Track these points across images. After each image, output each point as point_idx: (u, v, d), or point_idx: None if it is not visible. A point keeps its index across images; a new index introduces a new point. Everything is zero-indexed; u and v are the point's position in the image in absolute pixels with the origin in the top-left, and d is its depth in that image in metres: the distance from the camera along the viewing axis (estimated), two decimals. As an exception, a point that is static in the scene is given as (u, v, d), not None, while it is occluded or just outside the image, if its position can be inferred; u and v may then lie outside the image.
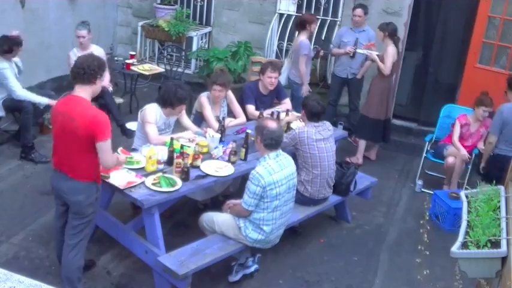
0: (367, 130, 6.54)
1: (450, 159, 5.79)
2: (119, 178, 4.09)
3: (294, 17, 7.82)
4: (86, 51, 6.33)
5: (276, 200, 4.04)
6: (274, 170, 4.01)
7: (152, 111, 4.77)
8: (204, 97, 5.33)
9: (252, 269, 4.34)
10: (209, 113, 5.26)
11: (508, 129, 5.29)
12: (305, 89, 6.56)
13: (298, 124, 5.15)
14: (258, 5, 8.04)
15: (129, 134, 6.08)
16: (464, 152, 5.74)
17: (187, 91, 4.87)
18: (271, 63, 5.83)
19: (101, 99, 6.20)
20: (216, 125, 5.10)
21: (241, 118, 5.48)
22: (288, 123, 5.26)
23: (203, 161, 4.50)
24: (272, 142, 4.04)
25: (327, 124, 4.87)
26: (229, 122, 5.32)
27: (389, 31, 6.27)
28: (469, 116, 5.97)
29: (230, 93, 5.47)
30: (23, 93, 5.73)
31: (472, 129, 5.92)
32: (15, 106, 5.83)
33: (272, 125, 4.10)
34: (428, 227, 3.40)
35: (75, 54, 6.28)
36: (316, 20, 6.76)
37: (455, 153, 5.80)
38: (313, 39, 7.19)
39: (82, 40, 6.25)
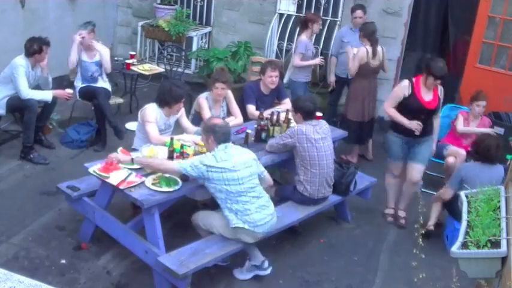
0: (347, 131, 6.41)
1: (450, 159, 5.80)
2: (118, 178, 4.10)
3: (294, 17, 7.83)
4: (91, 52, 6.35)
5: (240, 185, 4.04)
6: (222, 158, 4.05)
7: (152, 111, 4.78)
8: (202, 98, 5.33)
9: (268, 271, 4.35)
10: (207, 114, 5.26)
11: (470, 186, 4.98)
12: (317, 60, 6.71)
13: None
14: (258, 5, 8.04)
15: (120, 135, 6.10)
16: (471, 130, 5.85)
17: (183, 89, 4.87)
18: (271, 63, 5.84)
19: (95, 100, 6.21)
20: None
21: (239, 119, 5.47)
22: (288, 122, 5.26)
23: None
24: (224, 136, 4.13)
25: (323, 122, 4.87)
26: (228, 122, 5.31)
27: (364, 32, 6.18)
28: (469, 113, 6.03)
29: (229, 93, 5.47)
30: (30, 93, 5.74)
31: (471, 126, 5.95)
32: (19, 105, 5.82)
33: (217, 120, 4.26)
34: (423, 231, 3.41)
35: (81, 49, 6.29)
36: (320, 20, 6.75)
37: (455, 153, 5.81)
38: (313, 40, 7.17)
39: (81, 40, 6.25)
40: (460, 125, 6.00)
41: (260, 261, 4.33)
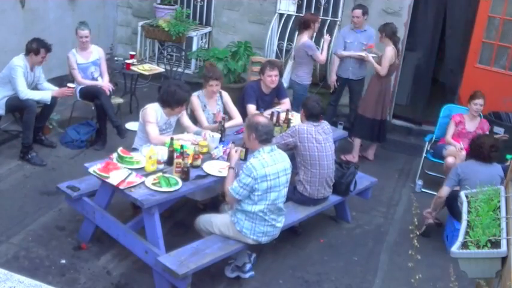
0: (362, 129, 6.55)
1: (450, 159, 5.79)
2: (118, 178, 4.10)
3: (294, 17, 7.82)
4: (86, 52, 6.35)
5: (267, 193, 4.04)
6: (268, 163, 4.03)
7: (153, 111, 4.78)
8: (194, 97, 5.34)
9: (247, 275, 4.32)
10: (200, 113, 5.27)
11: (467, 184, 4.78)
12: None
13: (298, 121, 5.16)
14: (258, 5, 8.04)
15: (122, 134, 6.11)
16: (459, 145, 5.79)
17: (187, 92, 4.87)
18: (270, 62, 5.86)
19: (97, 100, 6.21)
20: (207, 124, 5.14)
21: (237, 119, 5.47)
22: (289, 121, 5.26)
23: (204, 161, 4.51)
24: (266, 136, 4.09)
25: (325, 123, 4.88)
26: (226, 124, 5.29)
27: (386, 32, 6.28)
28: (464, 114, 6.03)
29: (226, 94, 5.48)
30: (28, 93, 5.72)
31: (469, 128, 5.96)
32: (18, 106, 5.82)
33: (263, 120, 4.17)
34: (418, 233, 3.44)
35: (74, 55, 6.29)
36: (319, 19, 6.77)
37: (455, 153, 5.81)
38: (313, 40, 7.17)
39: (85, 40, 6.25)
40: (448, 135, 6.03)
41: (242, 263, 4.32)
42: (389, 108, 6.76)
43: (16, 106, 5.85)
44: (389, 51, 6.26)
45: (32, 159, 5.79)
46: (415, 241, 3.29)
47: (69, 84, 6.00)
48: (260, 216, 4.08)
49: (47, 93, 5.87)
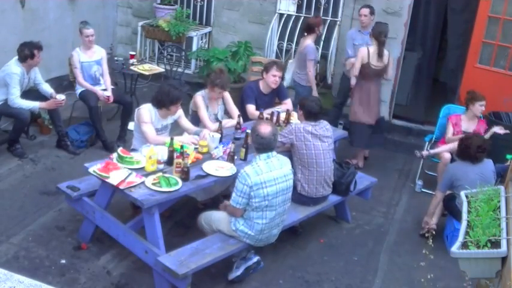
0: (361, 136, 6.40)
1: (447, 155, 5.77)
2: (118, 178, 4.10)
3: (294, 17, 7.82)
4: (90, 51, 6.34)
5: (265, 201, 4.03)
6: (262, 170, 4.00)
7: (147, 111, 4.78)
8: (199, 96, 5.33)
9: (255, 259, 4.31)
10: (204, 113, 5.26)
11: (460, 184, 4.87)
12: (314, 94, 6.47)
13: (297, 121, 5.16)
14: (258, 5, 8.04)
15: (110, 149, 6.04)
16: (458, 137, 5.71)
17: (181, 91, 4.88)
18: (276, 63, 5.84)
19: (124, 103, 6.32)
20: (211, 125, 5.11)
21: (236, 119, 5.46)
22: (288, 120, 5.26)
23: (204, 161, 4.51)
24: (260, 147, 4.07)
25: (324, 123, 4.87)
26: (225, 123, 5.29)
27: (372, 31, 6.21)
28: (462, 115, 6.01)
29: (227, 94, 5.47)
30: (18, 101, 5.68)
31: (465, 129, 5.92)
32: (11, 114, 5.81)
33: (264, 130, 4.04)
34: (434, 232, 3.44)
35: (78, 53, 6.28)
36: (322, 22, 6.73)
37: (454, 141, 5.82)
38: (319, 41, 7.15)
39: (91, 39, 6.23)
40: (449, 134, 6.00)
41: (245, 254, 4.32)
42: (379, 111, 6.61)
43: (8, 114, 5.83)
44: (362, 51, 6.13)
45: (14, 150, 5.83)
46: (430, 240, 3.28)
47: (58, 96, 5.90)
48: (258, 224, 4.08)
49: (35, 103, 5.78)
